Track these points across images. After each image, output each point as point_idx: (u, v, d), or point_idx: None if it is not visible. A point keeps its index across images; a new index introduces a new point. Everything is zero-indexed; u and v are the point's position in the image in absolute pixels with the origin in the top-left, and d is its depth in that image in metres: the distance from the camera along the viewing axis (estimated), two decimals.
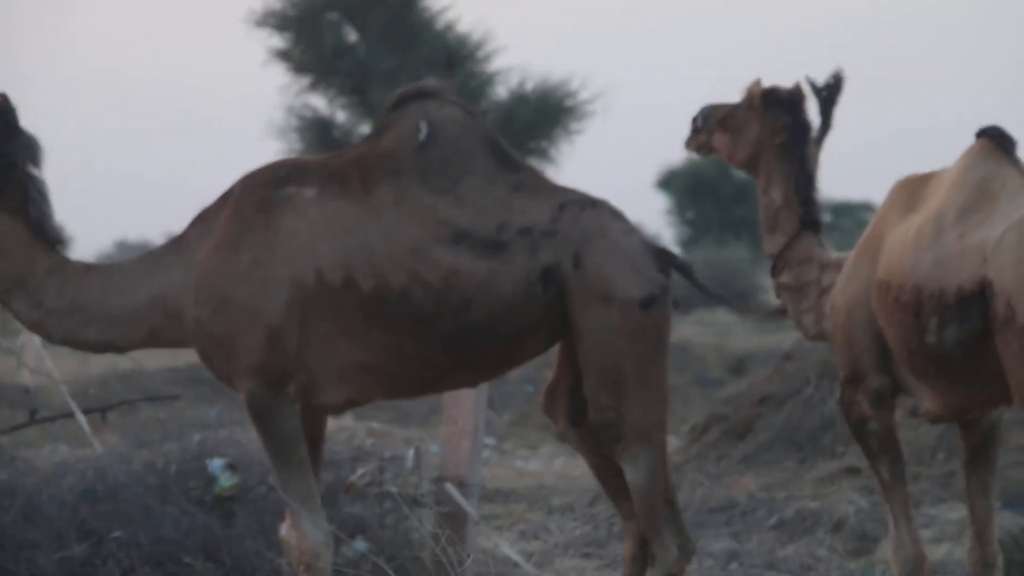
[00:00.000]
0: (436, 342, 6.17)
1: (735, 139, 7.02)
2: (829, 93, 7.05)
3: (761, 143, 6.93)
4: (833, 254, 6.76)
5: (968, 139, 6.14)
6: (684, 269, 6.46)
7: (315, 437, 6.48)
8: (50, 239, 6.41)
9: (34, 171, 6.44)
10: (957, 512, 9.35)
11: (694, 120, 7.17)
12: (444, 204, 6.27)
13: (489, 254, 6.18)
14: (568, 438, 6.59)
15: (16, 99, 6.42)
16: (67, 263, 6.41)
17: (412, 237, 6.19)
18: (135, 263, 6.45)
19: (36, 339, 14.02)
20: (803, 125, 6.90)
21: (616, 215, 6.38)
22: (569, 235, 6.24)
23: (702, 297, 6.71)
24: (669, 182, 57.75)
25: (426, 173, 6.32)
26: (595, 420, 6.28)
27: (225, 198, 6.41)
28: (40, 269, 6.37)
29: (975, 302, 5.68)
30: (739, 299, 8.11)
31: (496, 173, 6.36)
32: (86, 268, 6.43)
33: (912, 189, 6.24)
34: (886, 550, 8.04)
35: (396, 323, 6.14)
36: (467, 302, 6.14)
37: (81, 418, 10.32)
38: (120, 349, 6.52)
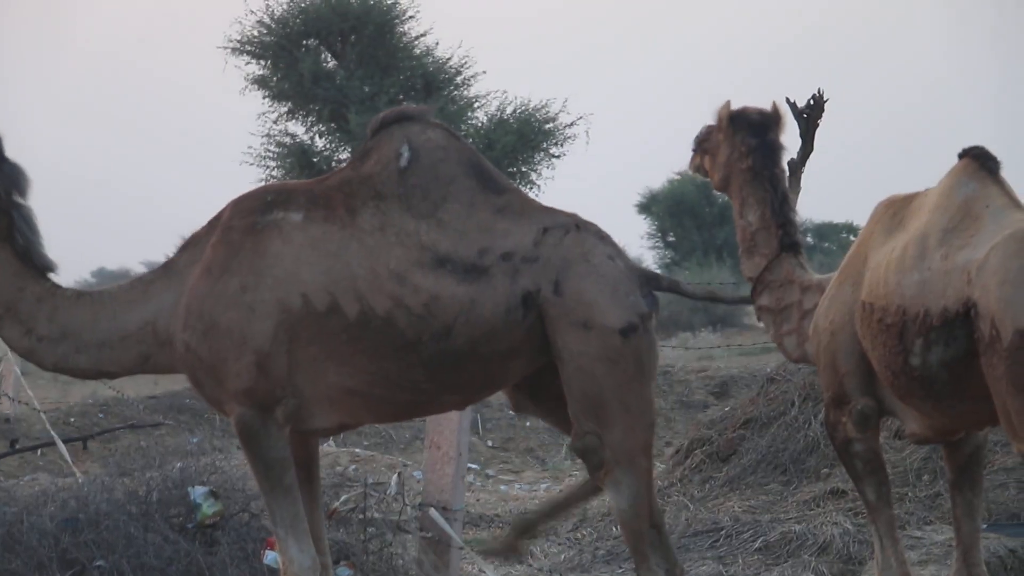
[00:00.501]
0: (419, 367, 6.17)
1: (712, 162, 7.04)
2: (811, 115, 7.08)
3: (731, 165, 6.94)
4: (814, 276, 6.76)
5: (951, 160, 6.15)
6: (672, 287, 6.46)
7: (308, 463, 6.49)
8: (39, 266, 6.44)
9: (20, 200, 6.44)
10: (943, 534, 9.34)
11: (693, 141, 7.21)
12: (426, 229, 6.27)
13: (470, 279, 6.18)
14: (524, 408, 6.60)
15: None
16: (57, 290, 6.43)
17: (395, 262, 6.19)
18: (125, 289, 6.46)
19: (16, 368, 13.99)
20: (770, 147, 6.90)
21: (602, 238, 6.37)
22: (551, 260, 6.24)
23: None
24: (650, 205, 57.84)
25: (408, 198, 6.33)
26: (577, 446, 6.27)
27: (214, 223, 6.43)
28: (30, 296, 6.39)
29: (960, 323, 5.69)
30: (726, 290, 8.15)
31: (478, 196, 6.36)
32: (77, 295, 6.45)
33: (895, 210, 6.25)
34: (872, 572, 8.04)
35: (380, 348, 6.15)
36: (448, 328, 6.14)
37: (62, 447, 10.30)
38: (111, 375, 6.54)
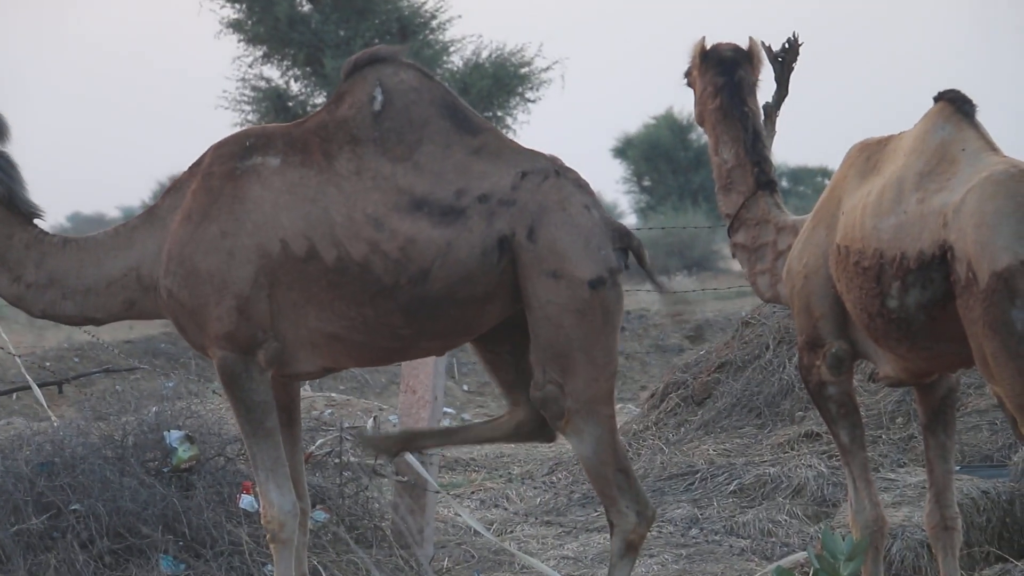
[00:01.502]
0: (397, 312, 6.17)
1: (694, 96, 7.03)
2: (785, 58, 7.05)
3: (704, 103, 6.93)
4: (789, 217, 6.76)
5: (926, 103, 6.14)
6: (638, 251, 6.42)
7: (289, 406, 6.50)
8: (25, 213, 6.43)
9: (1, 147, 6.42)
10: (916, 476, 9.38)
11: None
12: (402, 172, 6.26)
13: (447, 221, 6.17)
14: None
15: None
16: (44, 237, 6.44)
17: (371, 207, 6.18)
18: (111, 236, 6.45)
19: None
20: (739, 85, 6.87)
21: (581, 186, 6.34)
22: (527, 205, 6.22)
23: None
24: (626, 149, 57.80)
25: (383, 141, 6.31)
26: (536, 396, 6.27)
27: (195, 168, 6.42)
28: (18, 243, 6.40)
29: (937, 266, 5.69)
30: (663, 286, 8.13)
31: (454, 137, 6.34)
32: (64, 242, 6.44)
33: (870, 153, 6.23)
34: (846, 514, 8.07)
35: (358, 294, 6.15)
36: (425, 272, 6.14)
37: (37, 391, 10.27)
38: (98, 322, 6.55)
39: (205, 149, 6.46)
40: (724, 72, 6.87)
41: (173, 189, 6.44)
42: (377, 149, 6.30)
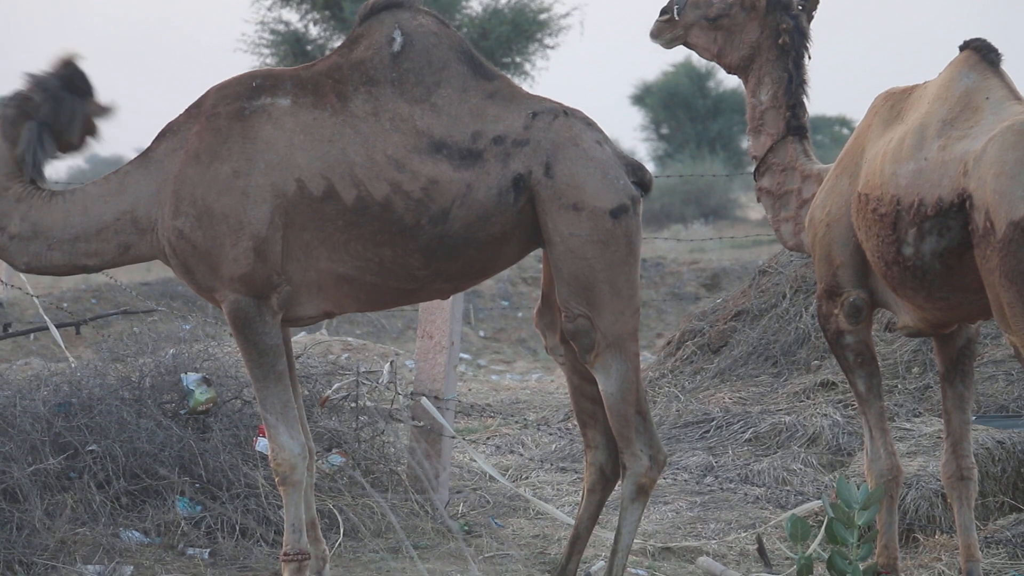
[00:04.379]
0: (416, 252, 6.16)
1: (728, 39, 6.95)
2: (806, 6, 7.01)
3: (759, 44, 6.87)
4: (816, 165, 6.73)
5: (951, 52, 6.10)
6: (647, 187, 6.44)
7: (286, 350, 6.47)
8: (30, 176, 6.40)
9: (51, 120, 6.38)
10: (932, 426, 9.38)
11: (665, 10, 7.08)
12: (420, 113, 6.25)
13: (466, 163, 6.18)
14: (558, 352, 6.59)
15: None
16: (35, 192, 6.39)
17: (391, 148, 6.18)
18: (99, 184, 6.42)
19: None
20: (803, 30, 6.86)
21: (589, 124, 6.38)
22: (541, 143, 6.24)
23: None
24: (644, 97, 57.62)
25: (402, 83, 6.30)
26: (568, 328, 6.29)
27: (195, 110, 6.37)
28: (11, 196, 6.37)
29: (954, 214, 5.67)
30: None
31: (470, 82, 6.34)
32: (51, 195, 6.42)
33: (894, 102, 6.21)
34: (861, 463, 8.09)
35: (377, 234, 6.14)
36: (446, 212, 6.14)
37: (55, 332, 10.28)
38: (88, 269, 6.50)
39: (204, 91, 6.42)
40: (793, 16, 6.84)
41: (169, 132, 6.37)
42: (395, 90, 6.29)
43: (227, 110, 6.28)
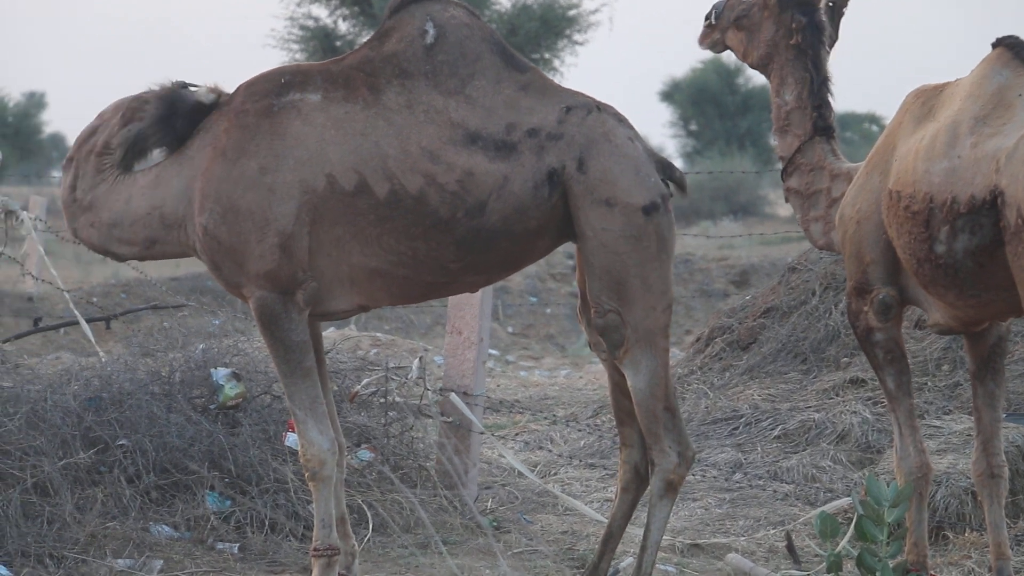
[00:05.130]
0: (451, 246, 6.17)
1: (749, 38, 6.96)
2: (836, 4, 6.99)
3: (776, 43, 6.87)
4: (845, 164, 6.72)
5: (983, 50, 6.08)
6: (680, 183, 6.46)
7: (316, 346, 6.48)
8: (129, 160, 6.45)
9: (179, 124, 6.42)
10: (962, 423, 9.35)
11: (707, 16, 7.13)
12: (455, 105, 6.26)
13: (501, 156, 6.19)
14: (601, 348, 6.58)
15: None
16: (115, 170, 6.46)
17: (426, 139, 6.18)
18: (144, 175, 6.47)
19: (40, 247, 14.01)
20: (818, 26, 6.84)
21: (621, 120, 6.39)
22: (574, 138, 6.24)
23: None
24: (673, 93, 57.56)
25: (435, 75, 6.30)
26: (598, 323, 6.30)
27: (224, 107, 6.38)
28: (96, 165, 6.48)
29: (986, 212, 5.64)
30: None
31: (503, 73, 6.35)
32: (120, 174, 6.47)
33: (925, 99, 6.18)
34: (890, 460, 8.08)
35: (411, 227, 6.14)
36: (483, 204, 6.14)
37: (85, 326, 10.32)
38: (118, 257, 6.56)
39: (234, 88, 6.45)
40: (806, 12, 6.82)
41: (201, 130, 6.39)
42: (428, 83, 6.29)
43: (255, 107, 6.29)
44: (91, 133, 6.50)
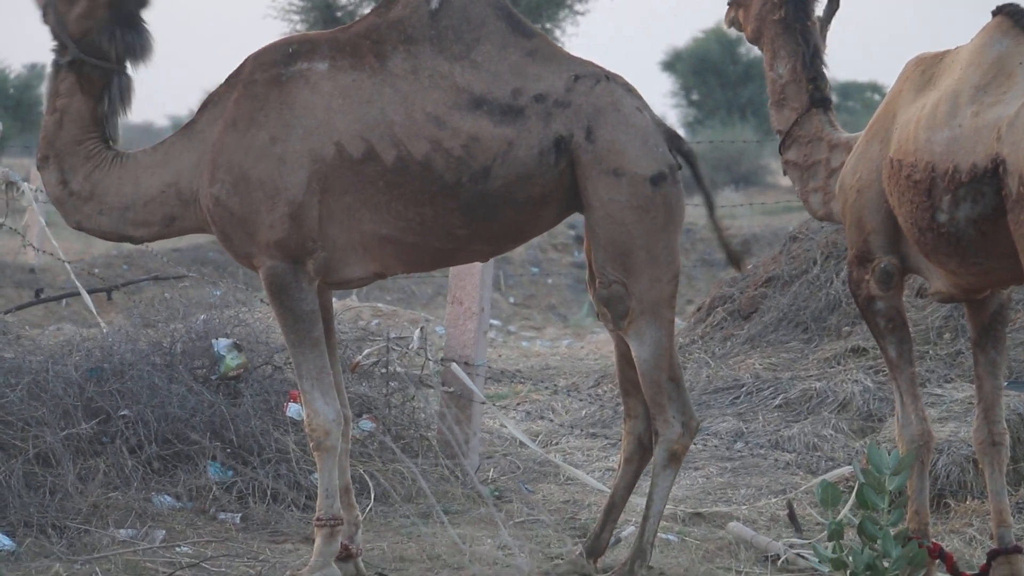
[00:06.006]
0: (456, 211, 6.16)
1: (745, 14, 6.96)
2: None
3: (763, 17, 6.86)
4: (843, 134, 6.70)
5: (983, 18, 6.06)
6: (689, 155, 6.46)
7: (326, 316, 6.49)
8: (106, 135, 6.43)
9: (129, 71, 6.42)
10: (963, 391, 9.35)
11: None
12: (460, 70, 6.25)
13: (507, 120, 6.18)
14: (608, 319, 6.58)
15: None
16: (103, 151, 6.43)
17: (431, 105, 6.18)
18: (148, 154, 6.45)
19: (40, 218, 14.02)
20: (803, 2, 6.81)
21: (630, 90, 6.40)
22: (582, 107, 6.24)
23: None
24: (674, 63, 57.45)
25: (441, 40, 6.29)
26: (602, 294, 6.31)
27: (233, 79, 6.39)
28: (82, 152, 6.42)
29: (988, 180, 5.63)
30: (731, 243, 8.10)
31: (509, 38, 6.34)
32: (114, 157, 6.45)
33: (925, 67, 6.16)
34: (892, 429, 8.07)
35: (417, 193, 6.14)
36: (487, 169, 6.13)
37: (86, 297, 10.32)
38: (134, 240, 6.54)
39: (242, 60, 6.44)
40: None
41: (210, 103, 6.41)
42: (434, 48, 6.29)
43: (264, 77, 6.29)
44: (58, 126, 6.46)
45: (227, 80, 6.40)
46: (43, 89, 6.59)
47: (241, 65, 6.40)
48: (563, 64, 6.34)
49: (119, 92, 6.44)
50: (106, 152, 6.43)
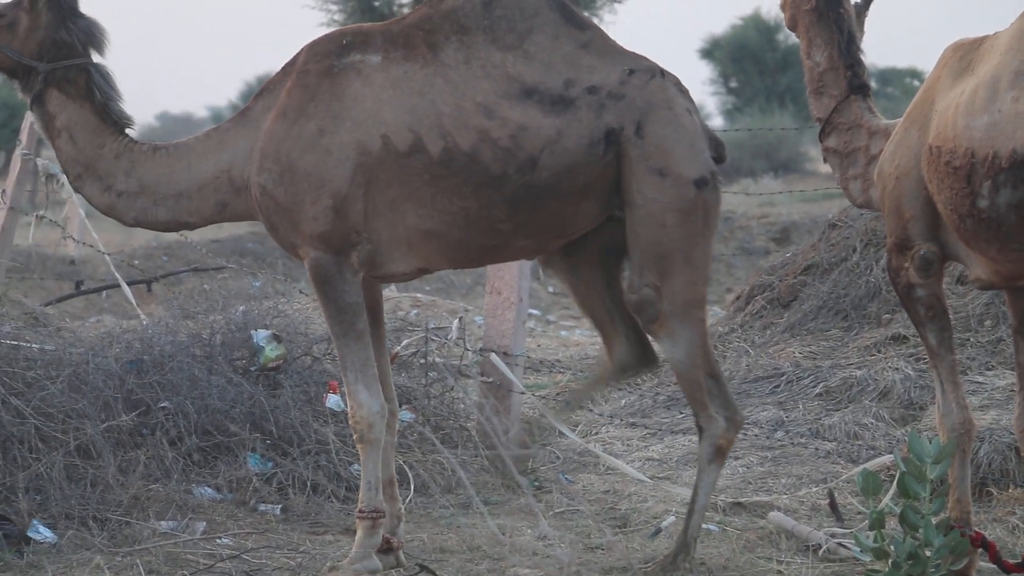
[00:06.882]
0: (501, 204, 6.15)
1: (783, 4, 6.95)
2: None
3: (797, 6, 6.84)
4: (882, 121, 6.67)
5: (1022, 3, 6.01)
6: (721, 162, 6.47)
7: (374, 308, 6.51)
8: (116, 123, 6.47)
9: (96, 56, 6.46)
10: (1005, 379, 9.32)
11: None
12: (512, 60, 6.25)
13: (557, 110, 6.18)
14: (551, 264, 6.62)
15: None
16: (134, 145, 6.47)
17: (481, 95, 6.18)
18: (201, 140, 6.47)
19: (80, 211, 14.08)
20: None
21: (682, 91, 6.41)
22: (635, 101, 6.24)
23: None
24: (712, 51, 57.30)
25: (493, 29, 6.29)
26: (632, 299, 6.30)
27: (288, 68, 6.41)
28: (109, 153, 6.44)
29: None
30: None
31: (563, 29, 6.33)
32: (153, 149, 6.47)
33: (964, 53, 6.12)
34: (933, 417, 8.04)
35: (462, 186, 6.13)
36: (534, 160, 6.13)
37: (126, 289, 10.37)
38: (190, 226, 6.57)
39: (298, 49, 6.46)
40: None
41: (265, 91, 6.44)
42: (486, 38, 6.28)
43: (317, 67, 6.30)
44: (71, 143, 6.44)
45: (283, 68, 6.44)
46: (36, 128, 6.59)
47: (296, 54, 6.43)
48: (617, 57, 6.34)
49: (102, 79, 6.46)
50: (135, 144, 6.46)
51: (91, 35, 6.45)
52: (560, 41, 6.31)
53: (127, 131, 6.50)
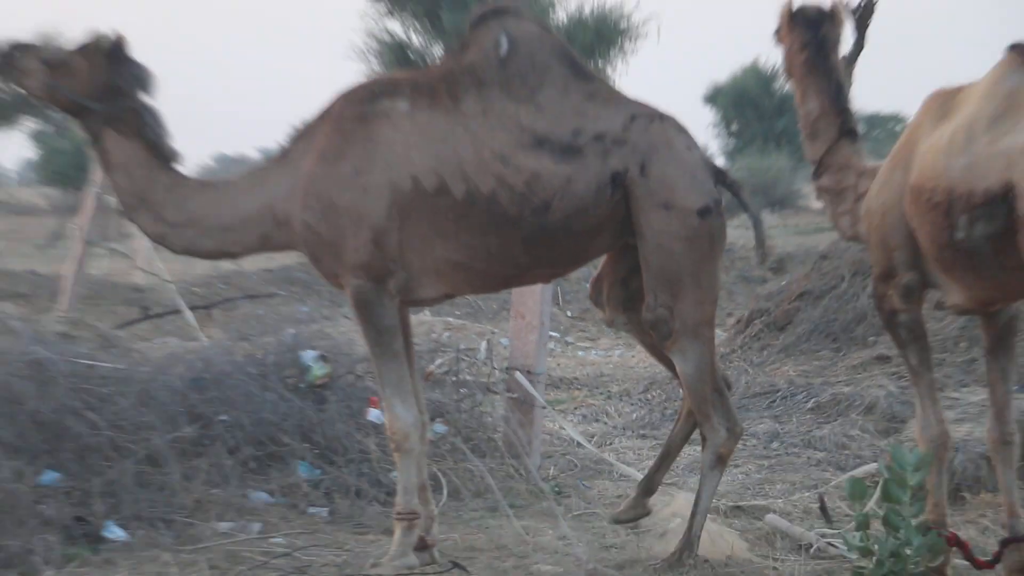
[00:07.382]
0: (518, 241, 6.17)
1: (781, 52, 6.97)
2: (863, 14, 6.96)
3: (792, 57, 6.87)
4: (869, 162, 6.70)
5: (998, 54, 6.04)
6: (734, 186, 6.48)
7: (404, 331, 6.52)
8: (166, 157, 6.46)
9: (146, 98, 6.48)
10: (978, 395, 9.32)
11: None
12: (525, 112, 6.26)
13: (567, 158, 6.18)
14: (617, 323, 6.64)
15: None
16: (184, 180, 6.46)
17: (498, 144, 6.19)
18: (245, 179, 6.48)
19: (147, 242, 14.15)
20: (823, 41, 6.79)
21: (681, 130, 6.40)
22: (638, 144, 6.25)
23: (749, 196, 6.71)
24: (715, 97, 57.23)
25: (508, 84, 6.30)
26: (648, 318, 6.31)
27: (324, 114, 6.43)
28: (160, 187, 6.43)
29: (1000, 203, 5.61)
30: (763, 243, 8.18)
31: (571, 82, 6.34)
32: (201, 185, 6.48)
33: (943, 100, 6.15)
34: (913, 429, 8.04)
35: (484, 225, 6.15)
36: (547, 204, 6.15)
37: (188, 314, 10.42)
38: (234, 256, 6.58)
39: (333, 96, 6.48)
40: (810, 30, 6.80)
41: (304, 134, 6.44)
42: (502, 91, 6.30)
43: (351, 113, 6.32)
44: (128, 178, 6.43)
45: (320, 114, 6.44)
46: (96, 166, 6.55)
47: (332, 102, 6.44)
48: (620, 105, 6.35)
49: (152, 118, 6.45)
50: (186, 180, 6.46)
51: (140, 79, 6.46)
52: (568, 93, 6.32)
53: (176, 166, 6.51)
